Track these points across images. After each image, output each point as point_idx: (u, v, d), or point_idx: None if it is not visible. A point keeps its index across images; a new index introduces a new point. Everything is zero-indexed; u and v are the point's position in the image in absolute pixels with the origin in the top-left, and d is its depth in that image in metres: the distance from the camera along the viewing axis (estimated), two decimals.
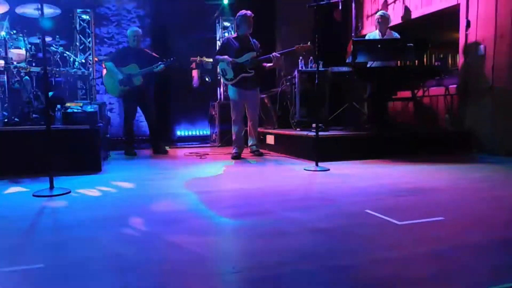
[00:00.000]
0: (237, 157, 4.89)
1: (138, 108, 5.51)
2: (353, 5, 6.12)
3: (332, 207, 2.55)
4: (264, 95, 5.90)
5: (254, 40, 4.92)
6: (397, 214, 2.24)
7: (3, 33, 4.44)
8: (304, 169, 3.96)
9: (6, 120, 4.13)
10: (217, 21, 7.35)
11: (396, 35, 5.26)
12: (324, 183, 3.43)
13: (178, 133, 7.53)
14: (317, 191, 3.16)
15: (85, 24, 6.63)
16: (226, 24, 7.29)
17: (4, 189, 3.16)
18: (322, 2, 3.97)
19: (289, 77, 5.59)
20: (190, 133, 7.62)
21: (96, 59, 6.57)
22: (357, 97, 5.57)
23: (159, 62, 5.22)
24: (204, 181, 3.59)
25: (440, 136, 5.06)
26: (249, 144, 5.17)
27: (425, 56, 5.37)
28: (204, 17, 7.36)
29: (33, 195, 2.85)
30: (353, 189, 3.12)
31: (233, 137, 5.04)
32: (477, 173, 3.77)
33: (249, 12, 4.80)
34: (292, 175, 3.81)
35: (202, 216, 2.37)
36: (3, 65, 4.24)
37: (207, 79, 7.03)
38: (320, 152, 4.09)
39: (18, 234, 2.04)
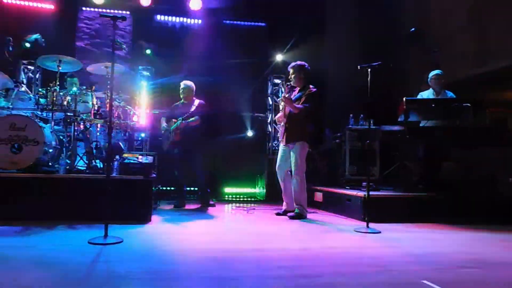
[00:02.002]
0: (281, 213, 4.82)
1: (188, 160, 5.66)
2: None
3: (385, 275, 2.41)
4: (312, 152, 5.89)
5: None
6: None
7: (74, 89, 4.87)
8: (355, 231, 3.81)
9: (68, 167, 4.40)
10: (268, 78, 7.61)
11: (451, 94, 5.15)
12: (376, 247, 3.27)
13: (225, 186, 7.59)
14: (369, 255, 3.01)
15: (145, 80, 7.12)
16: (277, 81, 7.52)
17: (63, 234, 3.31)
18: (374, 64, 4.03)
19: (339, 134, 5.57)
20: (236, 186, 7.65)
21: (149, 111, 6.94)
22: (409, 156, 5.41)
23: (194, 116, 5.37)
24: (250, 238, 3.55)
25: (502, 202, 4.72)
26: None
27: (483, 116, 5.17)
28: (256, 73, 7.65)
29: (89, 242, 2.96)
30: (408, 256, 2.94)
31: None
32: None
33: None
34: (342, 237, 3.68)
35: (253, 275, 2.31)
36: (72, 117, 4.58)
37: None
38: (370, 212, 3.95)
39: (74, 283, 2.10)
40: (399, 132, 5.08)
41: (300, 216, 4.57)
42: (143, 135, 6.69)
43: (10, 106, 4.44)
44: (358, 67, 4.14)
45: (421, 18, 6.53)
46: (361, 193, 4.47)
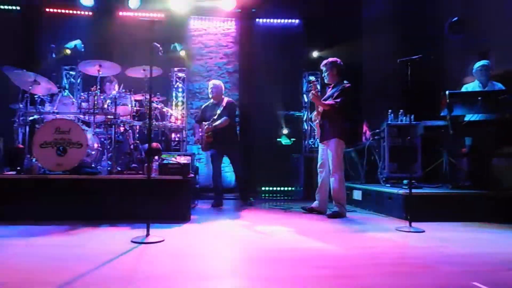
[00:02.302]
0: (306, 210, 4.78)
1: (226, 159, 5.70)
2: None
3: (431, 276, 2.30)
4: (350, 149, 5.77)
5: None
6: None
7: (114, 92, 5.02)
8: (396, 229, 3.69)
9: (109, 168, 4.54)
10: (303, 75, 7.53)
11: (499, 86, 4.86)
12: (420, 246, 3.15)
13: (262, 184, 7.57)
14: (412, 255, 2.89)
15: (180, 81, 7.24)
16: (312, 78, 7.42)
17: (105, 233, 3.42)
18: (414, 57, 3.88)
19: (377, 130, 5.42)
20: (273, 185, 7.61)
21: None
22: (454, 152, 5.17)
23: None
24: (289, 236, 3.52)
25: None
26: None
27: None
28: (291, 71, 7.59)
29: (131, 241, 3.03)
30: (455, 256, 2.81)
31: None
32: None
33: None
34: (383, 236, 3.56)
35: (291, 275, 2.28)
36: (112, 119, 4.73)
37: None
38: (413, 211, 3.81)
39: (117, 281, 2.16)
40: (442, 127, 4.86)
41: (339, 214, 4.47)
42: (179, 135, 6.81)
43: (55, 111, 4.64)
44: (398, 61, 4.01)
45: (465, 6, 6.20)
46: (402, 191, 4.33)
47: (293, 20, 7.76)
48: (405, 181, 4.69)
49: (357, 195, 5.41)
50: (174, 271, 2.36)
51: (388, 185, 4.95)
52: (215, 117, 5.33)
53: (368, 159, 5.57)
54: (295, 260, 2.68)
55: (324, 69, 4.70)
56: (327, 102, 4.50)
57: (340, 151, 4.51)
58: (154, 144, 5.02)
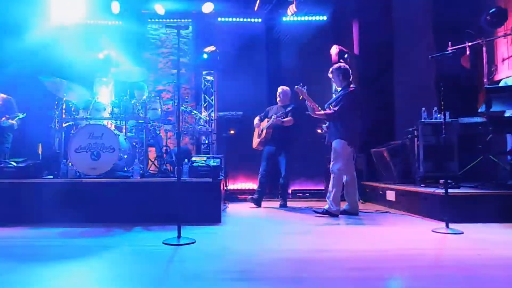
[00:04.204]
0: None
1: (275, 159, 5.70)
2: (484, 49, 5.57)
3: (472, 280, 2.19)
4: (382, 148, 5.62)
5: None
6: None
7: (144, 97, 5.12)
8: (432, 231, 3.55)
9: (141, 172, 4.62)
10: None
11: None
12: (459, 248, 3.01)
13: (297, 184, 7.43)
14: (451, 258, 2.77)
15: (209, 84, 7.31)
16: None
17: (139, 235, 3.49)
18: (446, 52, 3.73)
19: (411, 129, 5.25)
20: (306, 185, 7.47)
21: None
22: (494, 149, 4.92)
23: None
24: (320, 237, 3.45)
25: None
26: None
27: None
28: (319, 70, 7.47)
29: (163, 243, 3.06)
30: (497, 259, 2.67)
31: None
32: None
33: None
34: (418, 238, 3.43)
35: (322, 277, 2.23)
36: (143, 124, 4.82)
37: None
38: (450, 211, 3.65)
39: (151, 282, 2.19)
40: (480, 124, 4.65)
41: (327, 212, 4.51)
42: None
43: (89, 116, 4.79)
44: (430, 57, 3.87)
45: None
46: (439, 191, 4.16)
47: (319, 15, 7.60)
48: (441, 181, 4.51)
49: (390, 195, 5.26)
50: (205, 272, 2.37)
51: (423, 185, 4.78)
52: (280, 114, 5.46)
53: (402, 158, 5.40)
54: (325, 261, 2.62)
55: (331, 76, 4.81)
56: (323, 112, 4.66)
57: (339, 150, 4.52)
58: (184, 147, 5.09)
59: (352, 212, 4.62)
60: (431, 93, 5.76)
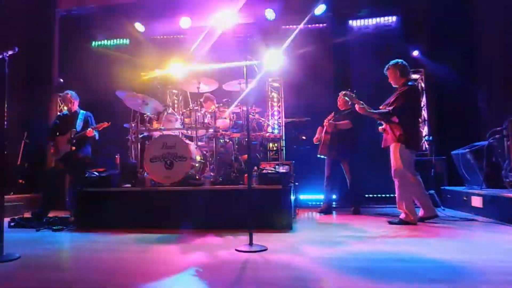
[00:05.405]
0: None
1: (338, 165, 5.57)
2: None
3: None
4: (465, 150, 5.17)
5: None
6: None
7: (213, 107, 5.24)
8: None
9: (212, 179, 4.70)
10: None
11: None
12: None
13: (367, 191, 7.12)
14: None
15: (275, 91, 7.29)
16: (415, 76, 6.87)
17: (212, 242, 3.51)
18: None
19: (498, 128, 4.76)
20: (378, 192, 7.12)
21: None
22: None
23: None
24: (396, 246, 3.21)
25: None
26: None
27: None
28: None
29: (235, 250, 3.06)
30: None
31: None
32: None
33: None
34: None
35: None
36: (213, 133, 4.93)
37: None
38: None
39: None
40: None
41: (403, 222, 4.22)
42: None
43: (162, 127, 5.00)
44: None
45: None
46: None
47: (388, 16, 7.28)
48: None
49: (476, 202, 4.79)
50: (278, 279, 2.31)
51: None
52: (332, 118, 5.44)
53: (489, 161, 4.91)
54: (405, 272, 2.42)
55: (387, 73, 4.52)
56: (378, 111, 4.35)
57: (397, 155, 4.22)
58: (253, 155, 5.09)
59: (429, 216, 4.30)
60: None
